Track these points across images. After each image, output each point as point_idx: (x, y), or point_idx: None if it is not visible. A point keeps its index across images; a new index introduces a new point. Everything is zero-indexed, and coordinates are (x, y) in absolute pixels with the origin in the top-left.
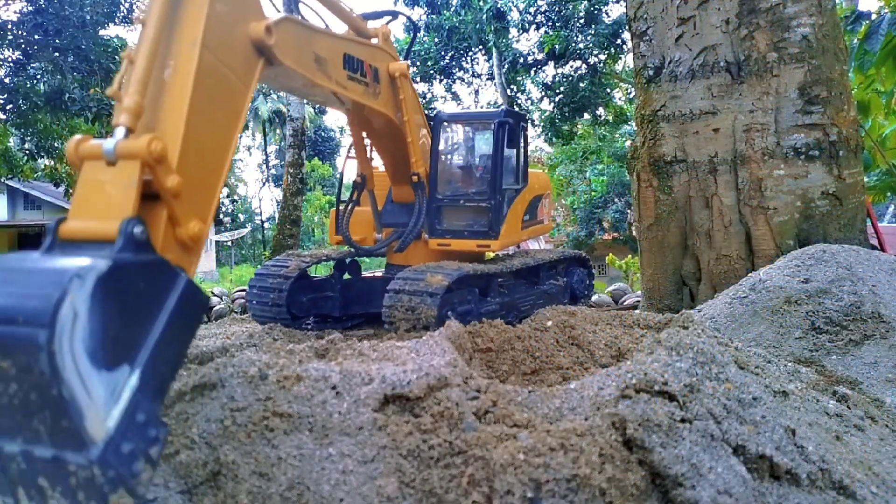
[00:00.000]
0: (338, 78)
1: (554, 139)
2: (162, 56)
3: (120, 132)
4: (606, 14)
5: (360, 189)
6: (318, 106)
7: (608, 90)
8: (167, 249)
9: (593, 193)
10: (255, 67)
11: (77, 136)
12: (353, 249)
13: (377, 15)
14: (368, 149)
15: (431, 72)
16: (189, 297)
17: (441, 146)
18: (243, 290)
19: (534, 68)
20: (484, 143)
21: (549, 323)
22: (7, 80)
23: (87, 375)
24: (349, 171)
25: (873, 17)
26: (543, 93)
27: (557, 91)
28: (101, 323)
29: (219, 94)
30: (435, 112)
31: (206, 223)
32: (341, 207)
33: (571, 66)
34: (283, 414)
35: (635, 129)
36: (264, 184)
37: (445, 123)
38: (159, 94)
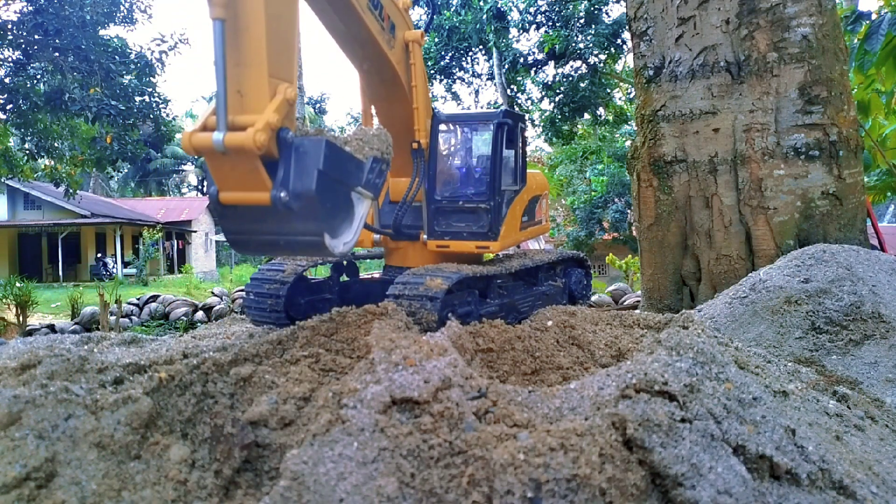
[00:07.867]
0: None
1: (554, 139)
2: None
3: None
4: (606, 14)
5: None
6: (318, 106)
7: (608, 90)
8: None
9: (593, 193)
10: None
11: (188, 129)
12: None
13: None
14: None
15: (431, 72)
16: (328, 154)
17: (439, 147)
18: (243, 290)
19: (534, 68)
20: (482, 144)
21: (550, 323)
22: (7, 80)
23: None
24: None
25: (873, 17)
26: (543, 93)
27: (557, 91)
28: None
29: None
30: (433, 112)
31: (294, 83)
32: None
33: (571, 66)
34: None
35: (635, 129)
36: None
37: (443, 124)
38: None
